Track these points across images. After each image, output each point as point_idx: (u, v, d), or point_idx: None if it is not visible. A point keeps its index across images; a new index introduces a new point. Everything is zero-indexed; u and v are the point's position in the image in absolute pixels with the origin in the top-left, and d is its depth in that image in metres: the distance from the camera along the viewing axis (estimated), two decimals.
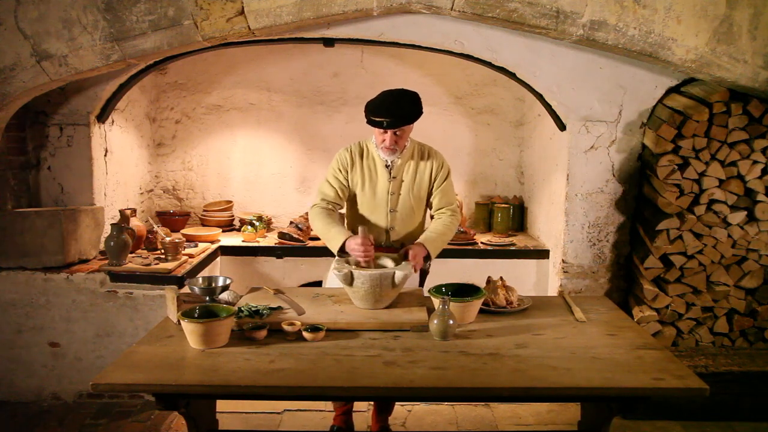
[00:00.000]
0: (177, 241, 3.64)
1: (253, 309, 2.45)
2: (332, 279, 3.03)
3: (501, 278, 2.73)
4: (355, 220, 2.92)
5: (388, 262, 2.70)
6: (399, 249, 2.87)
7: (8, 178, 3.52)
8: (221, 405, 2.82)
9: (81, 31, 3.07)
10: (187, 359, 2.13)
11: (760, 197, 3.29)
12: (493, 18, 3.08)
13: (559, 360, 2.13)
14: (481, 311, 2.54)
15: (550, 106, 3.63)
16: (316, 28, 3.29)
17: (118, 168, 4.08)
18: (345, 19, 3.23)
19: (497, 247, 4.12)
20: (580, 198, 3.61)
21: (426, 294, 2.70)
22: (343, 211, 3.03)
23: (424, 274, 3.07)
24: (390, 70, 4.73)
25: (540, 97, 3.62)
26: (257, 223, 4.32)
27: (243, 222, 4.44)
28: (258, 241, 4.24)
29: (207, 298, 2.59)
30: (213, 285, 2.66)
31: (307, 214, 4.40)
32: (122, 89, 3.71)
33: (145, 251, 3.85)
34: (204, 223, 4.62)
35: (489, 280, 2.74)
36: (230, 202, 4.79)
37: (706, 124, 3.25)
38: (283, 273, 4.23)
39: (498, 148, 4.87)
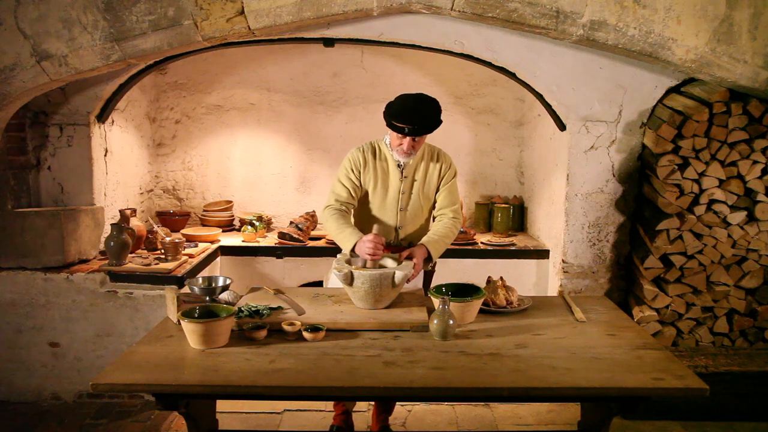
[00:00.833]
0: (177, 241, 3.64)
1: (253, 309, 2.45)
2: (334, 279, 3.04)
3: (501, 278, 2.73)
4: (364, 219, 2.93)
5: (388, 262, 2.70)
6: (407, 247, 2.88)
7: (8, 178, 3.52)
8: (221, 405, 2.82)
9: (81, 31, 3.07)
10: (187, 359, 2.13)
11: (760, 197, 3.29)
12: (493, 18, 3.08)
13: (559, 360, 2.13)
14: (481, 311, 2.54)
15: (550, 106, 3.63)
16: (316, 28, 3.29)
17: (118, 168, 4.08)
18: (345, 19, 3.23)
19: (497, 247, 4.12)
20: (580, 198, 3.61)
21: (426, 294, 2.70)
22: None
23: (429, 276, 3.07)
24: (390, 70, 4.73)
25: (540, 97, 3.62)
26: (257, 223, 4.32)
27: (243, 222, 4.44)
28: (258, 241, 4.24)
29: (207, 298, 2.59)
30: (213, 285, 2.66)
31: (306, 214, 4.41)
32: (122, 89, 3.71)
33: (145, 251, 3.85)
34: (204, 223, 4.62)
35: (489, 280, 2.74)
36: (230, 202, 4.79)
37: (706, 124, 3.25)
38: (283, 273, 4.23)
39: (498, 148, 4.87)
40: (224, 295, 2.63)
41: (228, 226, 4.62)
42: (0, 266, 3.35)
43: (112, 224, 3.49)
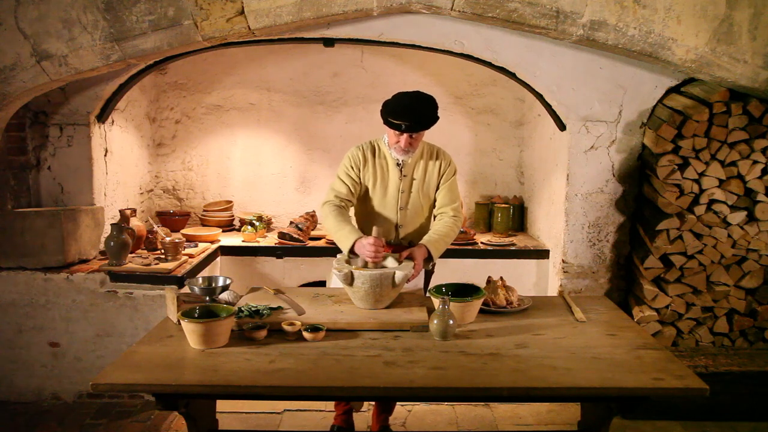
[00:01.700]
0: (177, 241, 3.64)
1: (253, 309, 2.45)
2: (336, 279, 3.04)
3: (501, 278, 2.73)
4: (364, 217, 2.93)
5: (389, 262, 2.70)
6: (407, 246, 2.88)
7: (8, 178, 3.52)
8: (221, 405, 2.82)
9: (81, 31, 3.07)
10: (187, 359, 2.13)
11: (760, 197, 3.29)
12: (493, 18, 3.08)
13: (559, 360, 2.13)
14: (481, 311, 2.54)
15: (550, 106, 3.63)
16: (316, 28, 3.29)
17: (118, 168, 4.08)
18: (345, 19, 3.23)
19: (497, 247, 4.12)
20: (580, 198, 3.61)
21: (426, 294, 2.70)
22: (352, 208, 3.04)
23: (429, 275, 3.07)
24: (390, 70, 4.73)
25: (540, 97, 3.62)
26: (257, 223, 4.32)
27: (243, 222, 4.44)
28: (258, 241, 4.24)
29: (207, 298, 2.59)
30: (213, 285, 2.66)
31: (306, 214, 4.41)
32: (122, 89, 3.71)
33: (145, 251, 3.85)
34: (204, 223, 4.62)
35: (489, 280, 2.74)
36: (230, 202, 4.79)
37: (706, 124, 3.25)
38: (283, 273, 4.23)
39: (498, 148, 4.87)
40: (224, 295, 2.63)
41: (228, 226, 4.62)
42: (0, 266, 3.35)
43: (112, 224, 3.49)
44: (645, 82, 3.48)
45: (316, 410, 3.35)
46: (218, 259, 4.14)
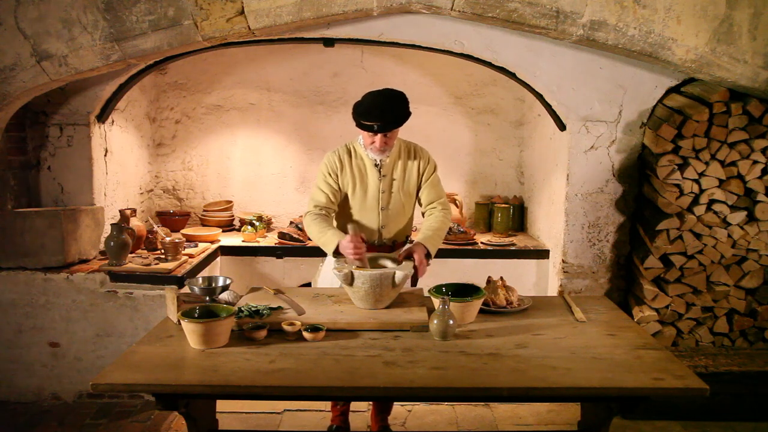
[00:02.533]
0: (177, 241, 3.64)
1: (253, 309, 2.45)
2: (322, 279, 3.04)
3: (501, 278, 2.73)
4: (346, 220, 2.93)
5: (388, 263, 2.70)
6: (391, 247, 2.90)
7: (8, 178, 3.52)
8: (221, 405, 2.82)
9: (81, 31, 3.07)
10: (187, 359, 2.13)
11: (760, 197, 3.29)
12: (493, 18, 3.08)
13: (559, 360, 2.13)
14: (481, 311, 2.54)
15: (550, 106, 3.63)
16: (316, 28, 3.29)
17: (118, 168, 4.08)
18: (345, 19, 3.23)
19: (497, 247, 4.12)
20: (580, 198, 3.61)
21: (426, 294, 2.70)
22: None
23: (415, 272, 3.06)
24: (390, 70, 4.73)
25: (540, 97, 3.62)
26: (257, 223, 4.32)
27: (243, 222, 4.44)
28: (258, 241, 4.24)
29: (207, 298, 2.59)
30: (213, 285, 2.66)
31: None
32: (122, 89, 3.71)
33: (145, 251, 3.85)
34: (204, 223, 4.62)
35: (489, 280, 2.74)
36: (230, 202, 4.79)
37: (706, 124, 3.25)
38: (283, 273, 4.23)
39: (498, 148, 4.87)
40: (224, 295, 2.63)
41: (228, 226, 4.62)
42: (0, 266, 3.35)
43: (112, 224, 3.49)
44: (645, 82, 3.48)
45: (316, 410, 3.35)
46: (218, 259, 4.14)
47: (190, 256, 3.75)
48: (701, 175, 3.30)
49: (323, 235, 2.74)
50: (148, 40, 3.09)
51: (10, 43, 3.08)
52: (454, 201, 4.49)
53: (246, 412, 3.31)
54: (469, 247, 4.13)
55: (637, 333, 2.41)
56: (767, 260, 3.37)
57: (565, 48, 3.40)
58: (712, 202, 3.33)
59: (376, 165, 2.85)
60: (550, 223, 4.00)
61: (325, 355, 2.16)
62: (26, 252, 3.33)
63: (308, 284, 4.16)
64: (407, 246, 2.82)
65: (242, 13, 3.05)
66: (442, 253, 4.10)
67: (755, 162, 3.27)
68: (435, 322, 2.30)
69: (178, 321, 2.28)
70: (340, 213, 2.95)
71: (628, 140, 3.55)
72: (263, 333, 2.29)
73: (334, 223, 2.91)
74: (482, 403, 3.45)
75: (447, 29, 3.33)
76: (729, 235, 3.33)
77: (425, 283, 2.96)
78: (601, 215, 3.62)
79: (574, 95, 3.50)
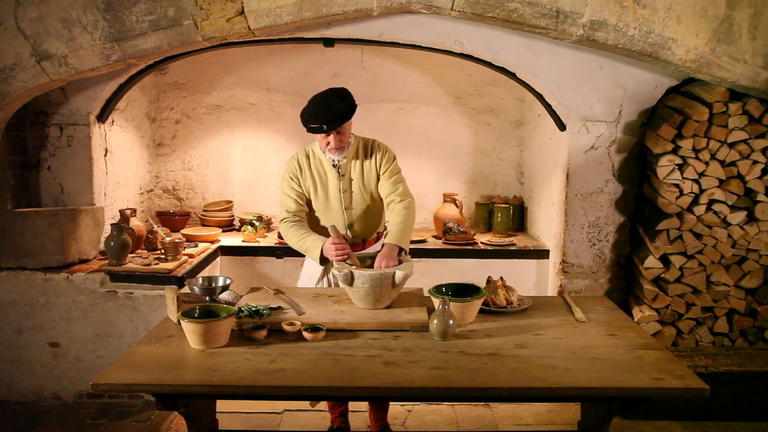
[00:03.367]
0: (177, 241, 3.64)
1: (253, 309, 2.45)
2: (304, 279, 3.05)
3: (501, 278, 2.73)
4: (314, 223, 2.95)
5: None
6: (362, 245, 2.92)
7: (8, 178, 3.52)
8: (221, 405, 2.82)
9: (81, 31, 3.07)
10: (187, 359, 2.13)
11: (760, 197, 3.29)
12: (493, 18, 3.08)
13: (559, 360, 2.13)
14: (481, 311, 2.54)
15: (550, 106, 3.63)
16: (316, 28, 3.29)
17: (118, 168, 4.08)
18: (345, 19, 3.23)
19: (497, 247, 4.12)
20: (580, 198, 3.61)
21: (426, 294, 2.70)
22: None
23: None
24: (390, 70, 4.73)
25: (540, 97, 3.62)
26: (257, 223, 4.32)
27: (243, 222, 4.44)
28: (258, 241, 4.24)
29: (207, 298, 2.59)
30: (213, 285, 2.66)
31: None
32: (122, 89, 3.71)
33: (145, 251, 3.85)
34: (204, 223, 4.62)
35: (489, 280, 2.74)
36: (230, 202, 4.79)
37: (706, 124, 3.25)
38: (283, 273, 4.23)
39: (498, 148, 4.87)
40: (224, 295, 2.63)
41: (228, 226, 4.62)
42: (0, 266, 3.35)
43: (112, 224, 3.49)
44: (645, 82, 3.48)
45: (316, 410, 3.35)
46: (218, 259, 4.14)
47: (190, 256, 3.75)
48: (701, 175, 3.30)
49: (304, 242, 2.78)
50: (148, 40, 3.09)
51: (10, 43, 3.08)
52: (454, 201, 4.49)
53: (246, 412, 3.31)
54: (469, 247, 4.13)
55: (637, 333, 2.41)
56: (767, 260, 3.37)
57: (565, 48, 3.40)
58: (712, 202, 3.33)
59: (334, 165, 2.87)
60: (550, 223, 4.00)
61: (325, 355, 2.16)
62: (26, 252, 3.33)
63: None
64: (381, 250, 2.75)
65: (242, 13, 3.05)
66: (442, 253, 4.13)
67: (755, 162, 3.27)
68: (435, 322, 2.30)
69: (178, 321, 2.28)
70: (309, 217, 2.97)
71: (628, 140, 3.55)
72: (263, 333, 2.29)
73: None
74: (482, 403, 3.45)
75: (447, 29, 3.33)
76: (729, 235, 3.33)
77: (425, 283, 2.97)
78: (601, 215, 3.62)
79: (574, 95, 3.50)
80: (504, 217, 4.46)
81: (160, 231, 3.95)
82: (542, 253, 4.06)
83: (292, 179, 2.90)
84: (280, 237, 4.16)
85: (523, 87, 3.66)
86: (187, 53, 3.46)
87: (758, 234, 3.32)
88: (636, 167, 3.58)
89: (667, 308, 3.43)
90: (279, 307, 2.54)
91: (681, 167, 3.30)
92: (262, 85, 4.78)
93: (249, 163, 4.87)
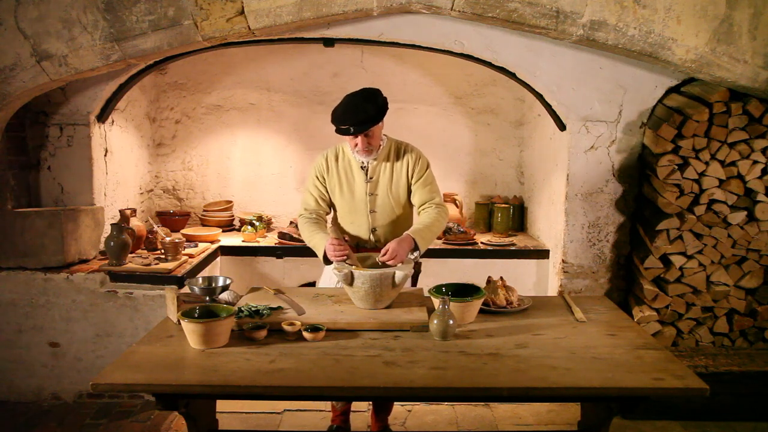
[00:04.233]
0: (177, 241, 3.64)
1: (253, 309, 2.45)
2: (324, 279, 3.04)
3: (501, 278, 2.73)
4: (339, 223, 2.95)
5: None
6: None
7: (8, 178, 3.52)
8: (221, 405, 2.82)
9: (81, 31, 3.07)
10: (187, 359, 2.13)
11: (760, 197, 3.29)
12: (493, 18, 3.08)
13: (559, 360, 2.13)
14: (481, 311, 2.54)
15: (550, 106, 3.63)
16: (316, 28, 3.29)
17: (118, 168, 4.08)
18: (345, 19, 3.23)
19: (497, 247, 4.12)
20: (580, 198, 3.61)
21: (426, 294, 2.70)
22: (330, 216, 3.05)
23: (416, 273, 3.05)
24: (390, 70, 4.73)
25: (540, 97, 3.62)
26: (257, 223, 4.32)
27: (243, 222, 4.44)
28: (258, 241, 4.24)
29: (207, 298, 2.59)
30: (213, 285, 2.66)
31: None
32: (122, 89, 3.71)
33: (145, 251, 3.85)
34: (204, 223, 4.62)
35: (489, 280, 2.74)
36: (230, 202, 4.79)
37: (706, 124, 3.25)
38: (283, 273, 4.23)
39: (498, 148, 4.87)
40: (224, 295, 2.63)
41: (228, 226, 4.62)
42: (0, 266, 3.35)
43: (112, 224, 3.49)
44: (645, 82, 3.48)
45: (316, 410, 3.35)
46: (218, 259, 4.14)
47: (190, 256, 3.75)
48: (701, 175, 3.30)
49: (312, 240, 2.79)
50: (148, 40, 3.09)
51: (10, 43, 3.08)
52: (454, 201, 4.49)
53: (246, 412, 3.31)
54: (469, 247, 4.13)
55: (637, 333, 2.41)
56: (767, 260, 3.37)
57: (565, 48, 3.40)
58: (712, 202, 3.33)
59: (362, 167, 2.84)
60: (550, 223, 4.00)
61: (325, 355, 2.16)
62: (26, 252, 3.33)
63: (308, 284, 4.16)
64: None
65: (242, 13, 3.05)
66: (442, 253, 4.12)
67: (755, 162, 3.27)
68: (435, 322, 2.30)
69: (178, 321, 2.28)
70: (334, 216, 2.98)
71: (628, 140, 3.55)
72: (263, 333, 2.29)
73: (329, 225, 2.91)
74: (482, 403, 3.45)
75: (447, 29, 3.33)
76: (729, 235, 3.33)
77: (425, 283, 2.97)
78: (601, 215, 3.62)
79: (574, 95, 3.50)
80: (504, 217, 4.46)
81: (160, 231, 3.95)
82: (542, 253, 4.06)
83: (317, 177, 2.88)
84: (281, 237, 4.17)
85: (523, 87, 3.66)
86: (187, 53, 3.46)
87: (758, 234, 3.32)
88: (636, 167, 3.58)
89: (667, 308, 3.43)
90: (279, 307, 2.54)
91: (681, 167, 3.30)
92: (262, 85, 4.78)
93: (249, 163, 4.87)
